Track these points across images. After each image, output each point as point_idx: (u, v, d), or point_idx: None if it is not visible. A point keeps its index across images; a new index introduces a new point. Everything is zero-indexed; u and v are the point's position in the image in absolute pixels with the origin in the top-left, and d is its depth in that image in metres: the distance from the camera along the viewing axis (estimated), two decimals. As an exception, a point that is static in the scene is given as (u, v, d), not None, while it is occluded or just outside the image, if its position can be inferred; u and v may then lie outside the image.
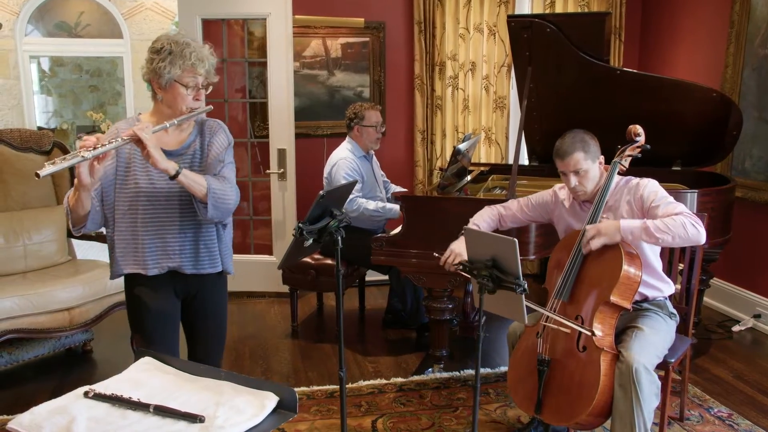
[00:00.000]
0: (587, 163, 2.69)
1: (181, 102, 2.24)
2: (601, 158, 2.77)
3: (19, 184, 4.02)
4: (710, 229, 3.61)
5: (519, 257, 2.16)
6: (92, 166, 2.00)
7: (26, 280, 3.73)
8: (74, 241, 4.23)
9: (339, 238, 2.13)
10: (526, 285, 2.19)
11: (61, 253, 4.06)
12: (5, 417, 3.27)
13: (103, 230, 2.33)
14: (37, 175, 1.84)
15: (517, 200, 3.07)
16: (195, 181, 2.19)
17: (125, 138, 2.05)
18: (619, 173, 2.78)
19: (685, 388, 3.20)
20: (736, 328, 4.36)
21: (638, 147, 2.84)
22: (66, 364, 3.96)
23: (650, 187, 2.69)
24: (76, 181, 2.05)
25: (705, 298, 4.59)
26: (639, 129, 2.85)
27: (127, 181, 2.25)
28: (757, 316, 4.39)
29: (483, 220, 3.03)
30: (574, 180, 2.72)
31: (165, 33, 2.25)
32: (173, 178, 2.13)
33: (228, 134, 2.42)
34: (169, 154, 2.22)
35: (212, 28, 4.95)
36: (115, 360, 3.91)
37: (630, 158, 2.82)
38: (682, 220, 2.48)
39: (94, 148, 1.96)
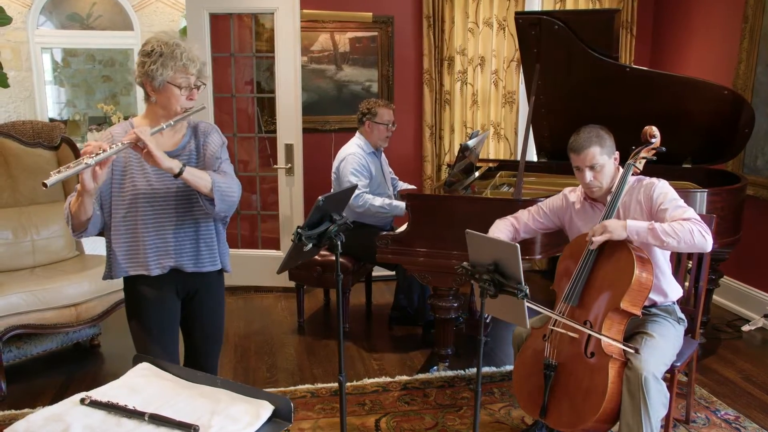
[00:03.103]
0: (603, 158, 2.65)
1: (175, 103, 2.25)
2: (616, 154, 2.72)
3: (28, 179, 4.04)
4: (720, 229, 3.58)
5: (521, 262, 2.15)
6: (95, 171, 2.02)
7: (34, 276, 3.75)
8: (82, 236, 4.25)
9: (339, 242, 2.12)
10: (527, 290, 2.17)
11: (68, 248, 4.09)
12: (14, 411, 3.29)
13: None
14: (45, 185, 1.88)
15: (528, 210, 3.01)
16: (199, 177, 2.21)
17: (125, 142, 2.07)
18: (632, 175, 2.73)
19: (691, 390, 3.17)
20: (745, 328, 4.31)
21: (653, 149, 2.77)
22: (74, 358, 3.99)
23: (660, 188, 2.65)
24: (78, 187, 2.08)
25: (715, 297, 4.54)
26: (655, 130, 2.77)
27: (124, 185, 2.27)
28: (767, 316, 4.33)
29: (500, 232, 2.95)
30: (589, 175, 2.67)
31: (154, 36, 2.26)
32: (177, 176, 2.15)
33: (221, 134, 2.45)
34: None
35: (220, 23, 4.94)
36: (122, 354, 3.93)
37: (644, 160, 2.76)
38: (690, 227, 2.45)
39: (97, 154, 1.99)
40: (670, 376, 2.70)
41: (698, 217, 2.51)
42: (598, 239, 2.52)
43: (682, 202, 2.61)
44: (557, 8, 5.21)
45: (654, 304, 2.74)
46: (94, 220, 2.21)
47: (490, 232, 2.95)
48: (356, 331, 4.40)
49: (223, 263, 2.47)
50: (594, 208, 2.80)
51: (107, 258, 2.37)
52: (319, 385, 3.55)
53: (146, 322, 2.39)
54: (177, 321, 2.48)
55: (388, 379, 3.61)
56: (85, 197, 2.10)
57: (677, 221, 2.49)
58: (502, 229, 2.96)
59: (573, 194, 2.91)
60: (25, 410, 3.30)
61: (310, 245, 2.07)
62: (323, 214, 2.10)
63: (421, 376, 3.66)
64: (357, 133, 4.34)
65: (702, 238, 2.45)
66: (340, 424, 2.35)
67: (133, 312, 2.43)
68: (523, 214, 3.00)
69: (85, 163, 1.96)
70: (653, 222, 2.50)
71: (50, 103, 8.40)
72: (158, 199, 2.28)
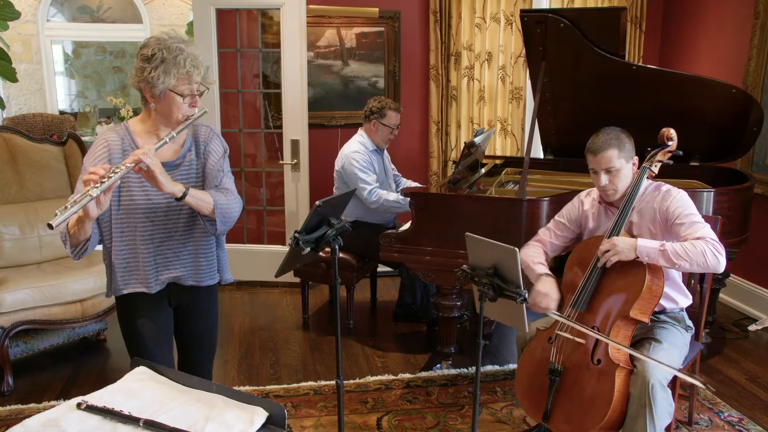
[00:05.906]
0: (620, 161, 2.59)
1: (177, 111, 2.14)
2: (635, 159, 2.67)
3: (35, 174, 4.07)
4: (727, 229, 3.55)
5: (520, 266, 2.14)
6: (99, 198, 1.93)
7: (41, 271, 3.79)
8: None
9: (337, 246, 2.12)
10: (527, 294, 2.16)
11: (75, 243, 4.11)
12: (20, 406, 3.33)
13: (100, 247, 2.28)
14: (50, 226, 1.79)
15: (546, 228, 2.93)
16: (201, 200, 2.15)
17: (129, 165, 1.98)
18: (647, 178, 2.67)
19: (694, 391, 3.15)
20: (752, 327, 4.28)
21: (670, 152, 2.71)
22: (81, 352, 4.03)
23: (678, 200, 2.58)
24: (80, 213, 1.95)
25: (721, 296, 4.52)
26: (672, 133, 2.71)
27: (122, 199, 2.18)
28: (774, 316, 4.31)
29: (537, 258, 2.81)
30: (605, 178, 2.61)
31: (154, 36, 2.13)
32: (180, 199, 2.09)
33: (222, 141, 2.35)
34: (165, 165, 2.15)
35: (226, 18, 4.93)
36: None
37: (660, 164, 2.70)
38: (702, 247, 2.40)
39: (100, 182, 1.90)
40: (671, 378, 2.68)
41: (713, 235, 2.46)
42: (608, 261, 2.49)
43: (698, 217, 2.54)
44: (564, 5, 5.16)
45: (663, 311, 2.71)
46: (93, 239, 2.13)
47: (525, 259, 2.77)
48: (361, 327, 4.41)
49: (223, 275, 2.41)
50: (608, 212, 2.74)
51: (107, 273, 2.30)
52: (322, 383, 3.57)
53: (141, 335, 2.33)
54: (171, 331, 2.43)
55: (391, 377, 3.62)
56: (86, 221, 2.01)
57: (689, 241, 2.43)
58: (534, 256, 2.82)
59: (588, 198, 2.86)
60: (32, 405, 3.34)
61: (308, 249, 2.07)
62: (321, 218, 2.10)
63: (424, 374, 3.67)
64: (360, 130, 4.32)
65: (715, 259, 2.40)
66: (338, 428, 2.35)
67: (126, 324, 2.36)
68: (544, 235, 2.92)
69: (90, 195, 1.87)
70: (664, 243, 2.45)
71: (61, 95, 8.43)
72: (158, 213, 2.21)
